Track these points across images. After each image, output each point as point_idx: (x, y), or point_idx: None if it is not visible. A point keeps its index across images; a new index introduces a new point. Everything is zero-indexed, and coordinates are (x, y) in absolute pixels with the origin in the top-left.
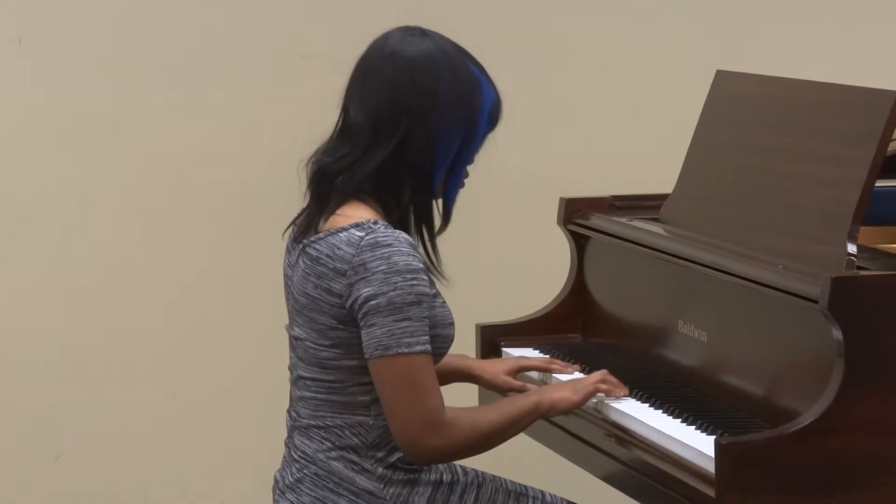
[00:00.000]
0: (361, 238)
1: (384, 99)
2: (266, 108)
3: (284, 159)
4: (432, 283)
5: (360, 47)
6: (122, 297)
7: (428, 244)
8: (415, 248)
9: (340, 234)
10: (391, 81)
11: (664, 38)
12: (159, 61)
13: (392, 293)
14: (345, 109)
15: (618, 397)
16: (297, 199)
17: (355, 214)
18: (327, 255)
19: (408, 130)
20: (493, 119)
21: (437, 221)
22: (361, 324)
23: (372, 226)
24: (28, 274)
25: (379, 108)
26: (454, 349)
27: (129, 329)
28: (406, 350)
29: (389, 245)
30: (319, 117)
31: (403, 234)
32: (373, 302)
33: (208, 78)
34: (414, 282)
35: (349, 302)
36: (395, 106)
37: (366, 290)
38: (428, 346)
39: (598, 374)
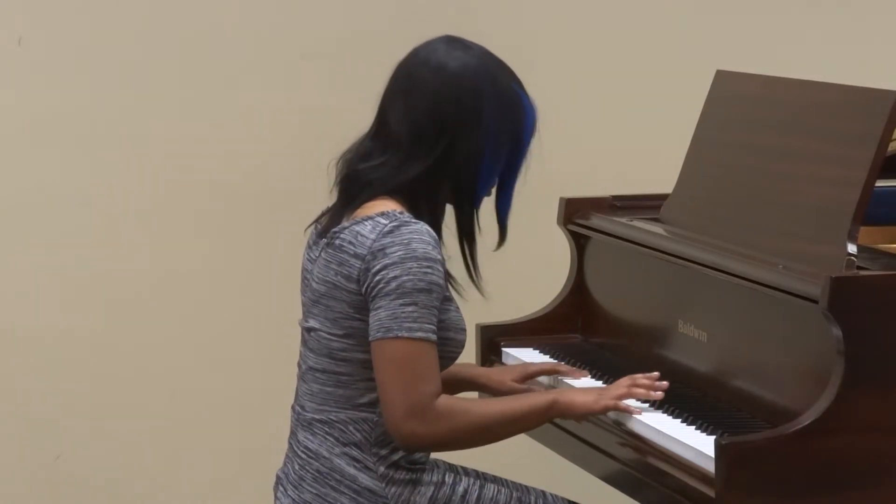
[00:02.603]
0: (385, 225)
1: (428, 112)
2: (266, 107)
3: (285, 158)
4: (447, 288)
5: (361, 47)
6: (122, 297)
7: (469, 258)
8: (437, 241)
9: (366, 223)
10: (435, 95)
11: (664, 38)
12: (159, 61)
13: (403, 277)
14: (382, 114)
15: (654, 399)
16: (298, 199)
17: (382, 206)
18: (350, 243)
19: (449, 145)
20: (533, 136)
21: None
22: (370, 306)
23: (398, 215)
24: (29, 274)
25: (421, 121)
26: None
27: (129, 329)
28: (406, 334)
29: (411, 232)
30: (319, 117)
31: (427, 227)
32: (383, 286)
33: (208, 78)
34: (428, 270)
35: (365, 286)
36: (438, 120)
37: (380, 273)
38: (431, 335)
39: (623, 386)
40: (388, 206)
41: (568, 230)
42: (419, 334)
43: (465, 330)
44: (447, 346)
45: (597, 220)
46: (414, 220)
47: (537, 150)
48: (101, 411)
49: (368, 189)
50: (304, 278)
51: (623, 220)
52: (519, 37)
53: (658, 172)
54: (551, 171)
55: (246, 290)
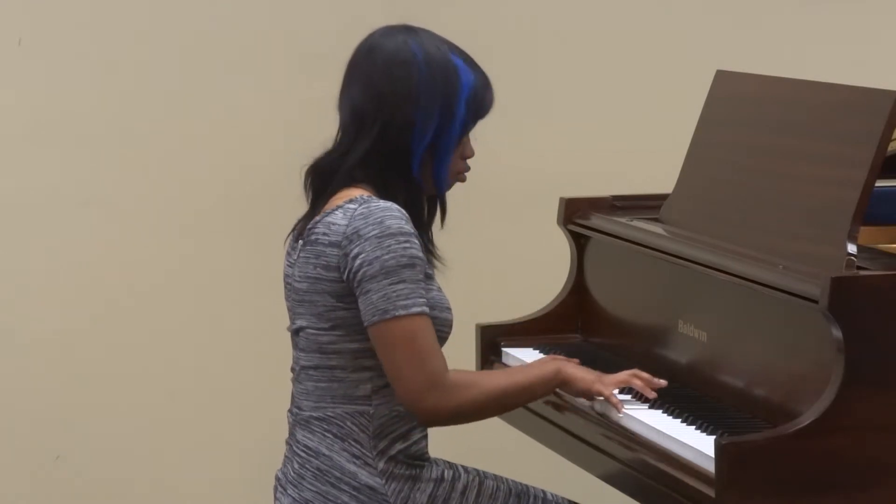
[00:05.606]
0: (355, 210)
1: (365, 93)
2: (266, 108)
3: (285, 159)
4: (428, 265)
5: None
6: (122, 297)
7: (420, 228)
8: (407, 217)
9: (336, 212)
10: (370, 75)
11: (664, 38)
12: (159, 62)
13: (385, 256)
14: (339, 111)
15: (650, 396)
16: (297, 198)
17: (349, 194)
18: (324, 234)
19: (387, 119)
20: (477, 106)
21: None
22: (357, 292)
23: (366, 198)
24: (29, 274)
25: (361, 103)
26: (452, 343)
27: (128, 329)
28: (403, 312)
29: (382, 210)
30: (320, 117)
31: (395, 204)
32: (367, 268)
33: (208, 78)
34: (407, 244)
35: (346, 272)
36: (373, 97)
37: (360, 256)
38: (426, 308)
39: (623, 374)
40: (354, 193)
41: (568, 230)
42: (415, 309)
43: (450, 309)
44: (435, 325)
45: (597, 220)
46: (382, 200)
47: (541, 150)
48: (100, 411)
49: (330, 180)
50: (286, 284)
51: (623, 220)
52: (519, 37)
53: (658, 172)
54: (551, 171)
55: (247, 289)
